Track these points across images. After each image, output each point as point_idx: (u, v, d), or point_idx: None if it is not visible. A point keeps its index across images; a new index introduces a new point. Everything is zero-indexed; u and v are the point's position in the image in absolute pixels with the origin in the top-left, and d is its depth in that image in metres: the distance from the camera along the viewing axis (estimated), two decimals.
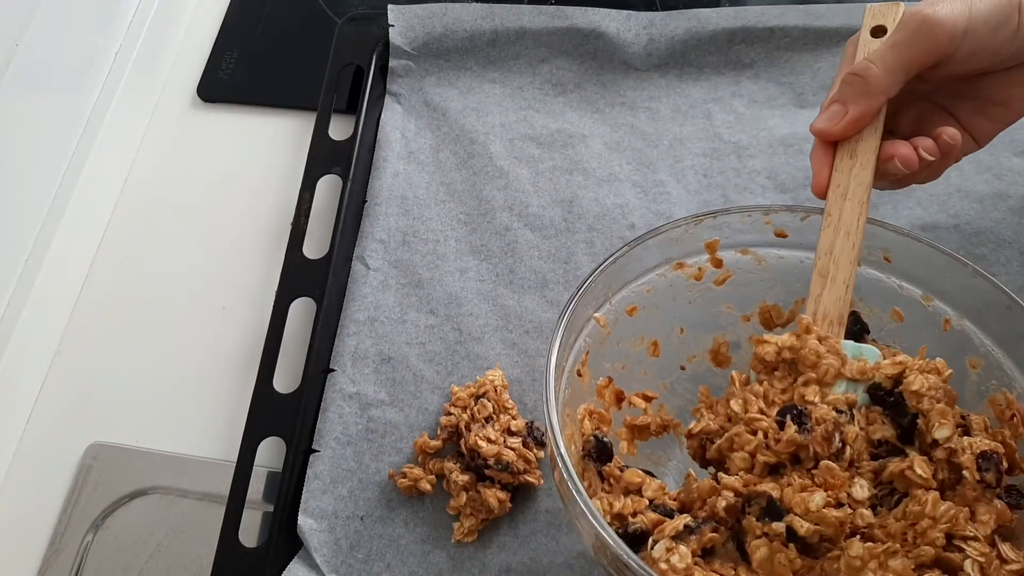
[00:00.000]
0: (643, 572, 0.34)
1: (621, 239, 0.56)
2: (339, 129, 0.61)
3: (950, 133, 0.42)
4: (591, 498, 0.38)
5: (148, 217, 0.64)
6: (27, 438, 0.56)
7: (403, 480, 0.49)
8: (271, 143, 0.65)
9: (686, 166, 0.58)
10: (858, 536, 0.36)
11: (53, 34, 0.59)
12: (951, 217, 0.54)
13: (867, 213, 0.42)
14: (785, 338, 0.41)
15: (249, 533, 0.49)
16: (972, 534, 0.36)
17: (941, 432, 0.38)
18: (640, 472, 0.41)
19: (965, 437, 0.38)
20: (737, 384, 0.42)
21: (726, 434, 0.40)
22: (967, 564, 0.35)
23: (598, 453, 0.42)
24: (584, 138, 0.60)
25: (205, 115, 0.67)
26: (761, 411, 0.40)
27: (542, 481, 0.49)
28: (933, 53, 0.41)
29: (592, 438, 0.42)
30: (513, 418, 0.50)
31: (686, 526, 0.37)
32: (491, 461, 0.47)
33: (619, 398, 0.46)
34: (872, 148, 0.42)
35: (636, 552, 0.36)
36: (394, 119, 0.62)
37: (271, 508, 0.50)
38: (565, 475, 0.37)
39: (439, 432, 0.50)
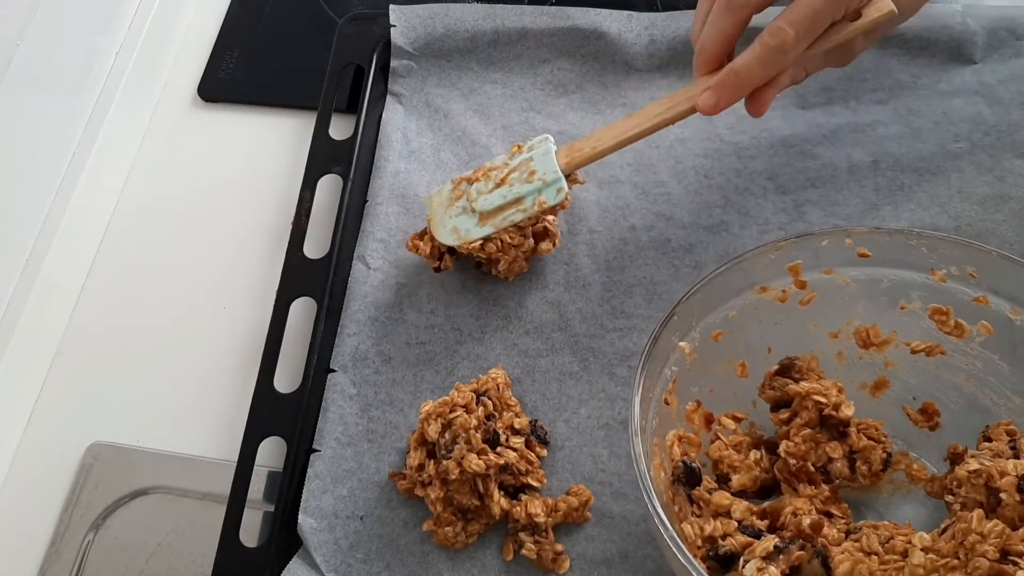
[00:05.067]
0: None
1: (622, 240, 0.56)
2: (340, 129, 0.61)
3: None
4: (682, 523, 0.41)
5: (148, 217, 0.64)
6: (27, 438, 0.56)
7: (403, 481, 0.49)
8: (272, 143, 0.65)
9: (687, 167, 0.58)
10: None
11: (53, 34, 0.59)
12: (952, 219, 0.54)
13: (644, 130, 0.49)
14: None
15: (250, 533, 0.49)
16: None
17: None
18: (728, 495, 0.43)
19: (1011, 460, 0.40)
20: None
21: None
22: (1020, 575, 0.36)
23: (687, 478, 0.43)
24: None
25: (205, 115, 0.67)
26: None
27: (545, 482, 0.49)
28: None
29: (681, 464, 0.43)
30: (516, 415, 0.50)
31: (776, 547, 0.39)
32: (490, 471, 0.46)
33: (708, 420, 0.47)
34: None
35: (726, 572, 0.39)
36: (395, 119, 0.62)
37: (272, 508, 0.50)
38: (651, 509, 0.39)
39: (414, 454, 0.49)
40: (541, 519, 0.47)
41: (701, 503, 0.43)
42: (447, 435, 0.47)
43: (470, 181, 0.52)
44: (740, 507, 0.42)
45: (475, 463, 0.46)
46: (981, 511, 0.39)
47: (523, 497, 0.48)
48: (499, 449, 0.47)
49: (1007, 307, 0.44)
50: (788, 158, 0.58)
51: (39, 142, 0.59)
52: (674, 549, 0.37)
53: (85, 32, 0.63)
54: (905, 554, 0.39)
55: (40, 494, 0.54)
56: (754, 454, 0.46)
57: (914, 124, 0.57)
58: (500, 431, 0.48)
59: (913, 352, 0.47)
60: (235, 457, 0.51)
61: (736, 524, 0.42)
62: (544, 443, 0.50)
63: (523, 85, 0.63)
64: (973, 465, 0.41)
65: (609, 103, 0.62)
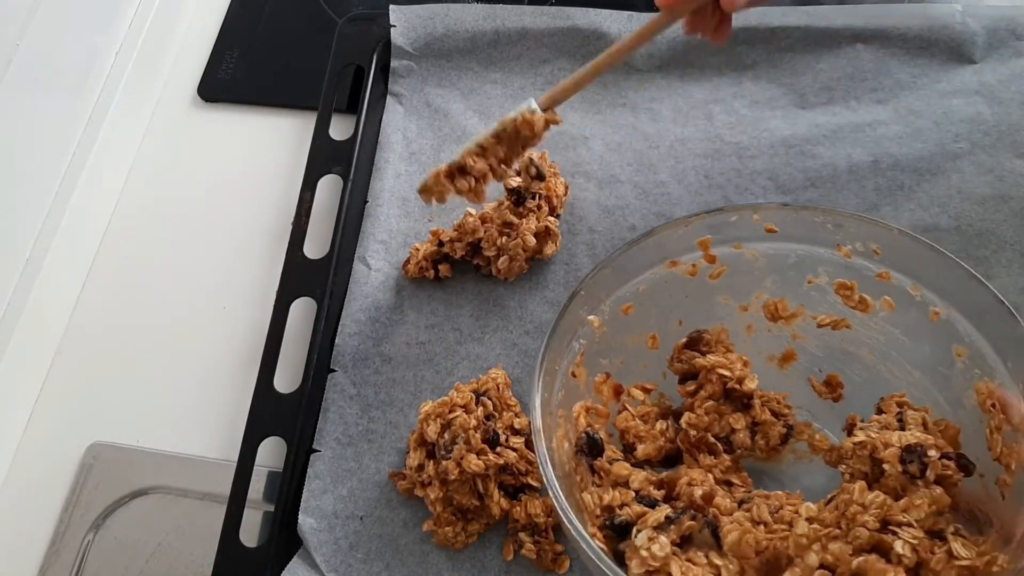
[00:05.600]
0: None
1: (622, 240, 0.56)
2: (340, 129, 0.61)
3: None
4: (583, 492, 0.42)
5: (148, 217, 0.64)
6: (27, 438, 0.56)
7: (403, 481, 0.49)
8: (272, 143, 0.65)
9: (687, 167, 0.58)
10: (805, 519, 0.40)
11: (53, 34, 0.59)
12: (952, 219, 0.54)
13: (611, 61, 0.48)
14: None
15: (250, 533, 0.49)
16: (906, 520, 0.38)
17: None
18: (627, 465, 0.44)
19: (896, 432, 0.41)
20: None
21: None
22: (897, 544, 0.37)
23: (589, 448, 0.44)
24: (585, 139, 0.60)
25: (205, 115, 0.67)
26: None
27: None
28: None
29: (584, 435, 0.44)
30: (516, 415, 0.49)
31: (667, 517, 0.40)
32: (489, 472, 0.46)
33: (617, 391, 0.48)
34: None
35: (622, 540, 0.40)
36: (395, 120, 0.62)
37: (272, 508, 0.50)
38: (545, 480, 0.40)
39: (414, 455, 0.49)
40: (541, 519, 0.47)
41: (602, 473, 0.43)
42: (446, 435, 0.47)
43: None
44: (638, 477, 0.43)
45: (474, 463, 0.46)
46: (863, 482, 0.40)
47: (523, 497, 0.48)
48: (499, 449, 0.47)
49: (908, 283, 0.45)
50: (788, 158, 0.58)
51: (39, 142, 0.59)
52: (565, 520, 0.38)
53: (85, 32, 0.63)
54: (792, 524, 0.39)
55: (40, 494, 0.54)
56: (660, 424, 0.47)
57: (914, 124, 0.57)
58: (500, 431, 0.48)
59: (819, 326, 0.48)
60: (235, 457, 0.51)
61: (634, 494, 0.42)
62: None
63: (523, 85, 0.63)
64: (859, 437, 0.42)
65: (609, 103, 0.62)
